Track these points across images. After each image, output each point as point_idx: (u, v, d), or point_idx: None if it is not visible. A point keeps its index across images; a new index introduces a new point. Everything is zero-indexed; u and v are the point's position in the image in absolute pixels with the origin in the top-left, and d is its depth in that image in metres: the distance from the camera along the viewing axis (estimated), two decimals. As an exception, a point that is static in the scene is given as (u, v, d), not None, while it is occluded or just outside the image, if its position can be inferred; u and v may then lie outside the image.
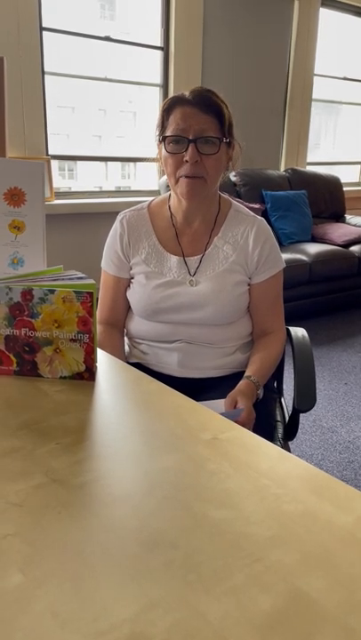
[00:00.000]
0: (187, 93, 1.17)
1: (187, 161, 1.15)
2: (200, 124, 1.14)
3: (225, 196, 1.33)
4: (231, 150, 1.22)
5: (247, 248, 1.26)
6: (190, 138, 1.14)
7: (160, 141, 1.20)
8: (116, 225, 1.32)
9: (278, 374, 1.47)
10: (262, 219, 1.31)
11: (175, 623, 0.44)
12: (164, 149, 1.18)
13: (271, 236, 1.29)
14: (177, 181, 1.19)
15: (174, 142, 1.16)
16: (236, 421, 1.05)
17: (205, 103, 1.15)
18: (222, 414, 0.84)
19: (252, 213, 1.31)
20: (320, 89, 4.61)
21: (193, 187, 1.17)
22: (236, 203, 1.33)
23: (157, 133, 1.21)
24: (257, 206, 3.69)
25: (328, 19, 4.51)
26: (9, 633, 0.43)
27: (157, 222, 1.30)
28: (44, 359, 0.90)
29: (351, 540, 0.54)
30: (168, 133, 1.16)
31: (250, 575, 0.49)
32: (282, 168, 4.44)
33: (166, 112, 1.17)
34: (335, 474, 2.00)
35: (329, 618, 0.45)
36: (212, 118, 1.15)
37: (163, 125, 1.19)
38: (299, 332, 1.42)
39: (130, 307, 1.32)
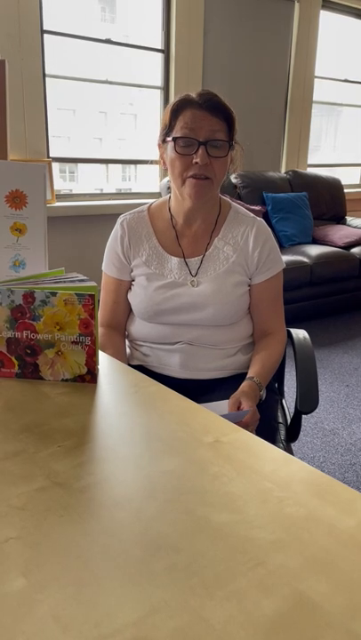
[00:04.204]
0: (194, 95, 1.17)
1: (196, 162, 1.15)
2: (210, 126, 1.15)
3: (225, 197, 1.33)
4: (233, 152, 1.22)
5: (247, 249, 1.26)
6: (201, 140, 1.14)
7: (164, 142, 1.20)
8: (117, 227, 1.32)
9: (279, 376, 1.47)
10: (262, 219, 1.31)
11: (178, 628, 0.44)
12: (171, 150, 1.18)
13: (271, 237, 1.29)
14: (184, 182, 1.19)
15: (183, 144, 1.16)
16: (240, 422, 1.06)
17: (215, 107, 1.16)
18: (228, 416, 0.84)
19: (251, 214, 1.32)
20: (321, 91, 4.62)
21: (200, 188, 1.18)
22: (235, 204, 1.34)
23: (163, 133, 1.21)
24: (258, 208, 3.70)
25: (328, 21, 4.52)
26: (11, 637, 0.43)
27: (158, 224, 1.30)
28: (46, 362, 0.90)
29: (354, 543, 0.54)
30: (177, 134, 1.16)
31: (253, 579, 0.49)
32: (283, 170, 4.45)
33: (174, 113, 1.17)
34: (337, 476, 2.00)
35: (332, 622, 0.45)
36: (221, 122, 1.16)
37: (170, 126, 1.18)
38: (300, 333, 1.42)
39: (131, 309, 1.32)
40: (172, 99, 1.21)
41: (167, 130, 1.19)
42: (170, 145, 1.18)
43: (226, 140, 1.17)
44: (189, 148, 1.16)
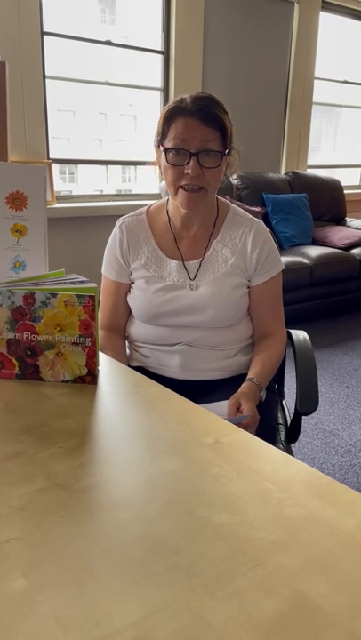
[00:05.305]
0: (188, 101, 1.14)
1: (188, 173, 1.14)
2: (202, 136, 1.13)
3: (222, 199, 1.33)
4: (229, 157, 1.21)
5: (246, 251, 1.26)
6: (192, 151, 1.13)
7: (158, 147, 1.20)
8: (116, 231, 1.32)
9: (279, 377, 1.47)
10: (260, 221, 1.31)
11: (179, 628, 0.44)
12: (164, 159, 1.17)
13: (269, 238, 1.29)
14: (176, 192, 1.18)
15: (175, 154, 1.15)
16: (239, 423, 1.06)
17: (208, 116, 1.13)
18: (227, 421, 0.84)
19: (249, 216, 1.31)
20: (320, 92, 4.62)
21: (192, 199, 1.17)
22: (233, 206, 1.33)
23: (157, 140, 1.20)
24: (258, 209, 3.70)
25: (328, 22, 4.52)
26: (12, 637, 0.43)
27: (156, 227, 1.30)
28: (47, 363, 0.90)
29: (354, 543, 0.54)
30: (169, 144, 1.15)
31: (253, 580, 0.49)
32: (283, 171, 4.45)
33: (167, 120, 1.16)
34: (337, 477, 2.00)
35: (333, 623, 0.45)
36: (214, 131, 1.14)
37: (163, 133, 1.17)
38: (300, 334, 1.42)
39: (130, 311, 1.32)
40: (171, 101, 1.20)
41: (161, 137, 1.18)
42: (163, 153, 1.17)
43: (219, 151, 1.15)
44: (181, 158, 1.14)
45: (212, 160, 1.15)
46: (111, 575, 0.49)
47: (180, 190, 1.17)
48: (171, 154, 1.15)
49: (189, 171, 1.13)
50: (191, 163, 1.13)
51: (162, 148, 1.17)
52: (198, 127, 1.13)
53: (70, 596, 0.47)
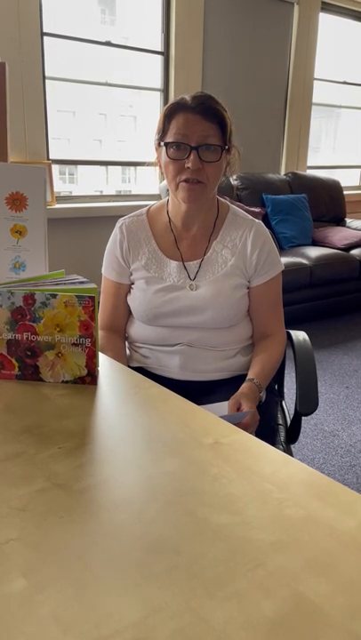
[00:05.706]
0: (188, 99, 1.17)
1: (188, 167, 1.15)
2: (202, 130, 1.14)
3: (223, 199, 1.34)
4: (229, 155, 1.22)
5: (245, 251, 1.26)
6: (193, 145, 1.14)
7: (159, 146, 1.21)
8: (116, 231, 1.32)
9: (279, 377, 1.47)
10: (260, 222, 1.31)
11: (178, 629, 0.44)
12: (164, 155, 1.18)
13: (269, 239, 1.29)
14: (177, 186, 1.19)
15: (176, 148, 1.16)
16: (239, 424, 1.06)
17: (208, 111, 1.15)
18: (228, 417, 0.84)
19: (249, 217, 1.32)
20: (320, 93, 4.62)
21: (193, 192, 1.18)
22: (233, 206, 1.34)
23: (157, 138, 1.21)
24: (257, 210, 3.70)
25: (328, 23, 4.53)
26: (12, 638, 0.43)
27: (156, 228, 1.31)
28: (46, 363, 0.90)
29: (354, 544, 0.54)
30: (169, 139, 1.16)
31: (253, 580, 0.49)
32: (282, 172, 4.45)
33: (168, 117, 1.18)
34: (337, 478, 2.00)
35: (332, 623, 0.45)
36: (214, 125, 1.16)
37: (163, 130, 1.19)
38: (300, 335, 1.42)
39: (130, 312, 1.33)
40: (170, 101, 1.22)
41: (161, 134, 1.20)
42: (163, 149, 1.18)
43: (219, 145, 1.17)
44: (182, 153, 1.16)
45: (213, 154, 1.16)
46: (111, 575, 0.50)
47: (181, 184, 1.18)
48: (172, 149, 1.16)
49: (190, 164, 1.14)
50: (192, 156, 1.14)
51: (162, 144, 1.18)
52: (198, 122, 1.15)
53: (70, 596, 0.47)
